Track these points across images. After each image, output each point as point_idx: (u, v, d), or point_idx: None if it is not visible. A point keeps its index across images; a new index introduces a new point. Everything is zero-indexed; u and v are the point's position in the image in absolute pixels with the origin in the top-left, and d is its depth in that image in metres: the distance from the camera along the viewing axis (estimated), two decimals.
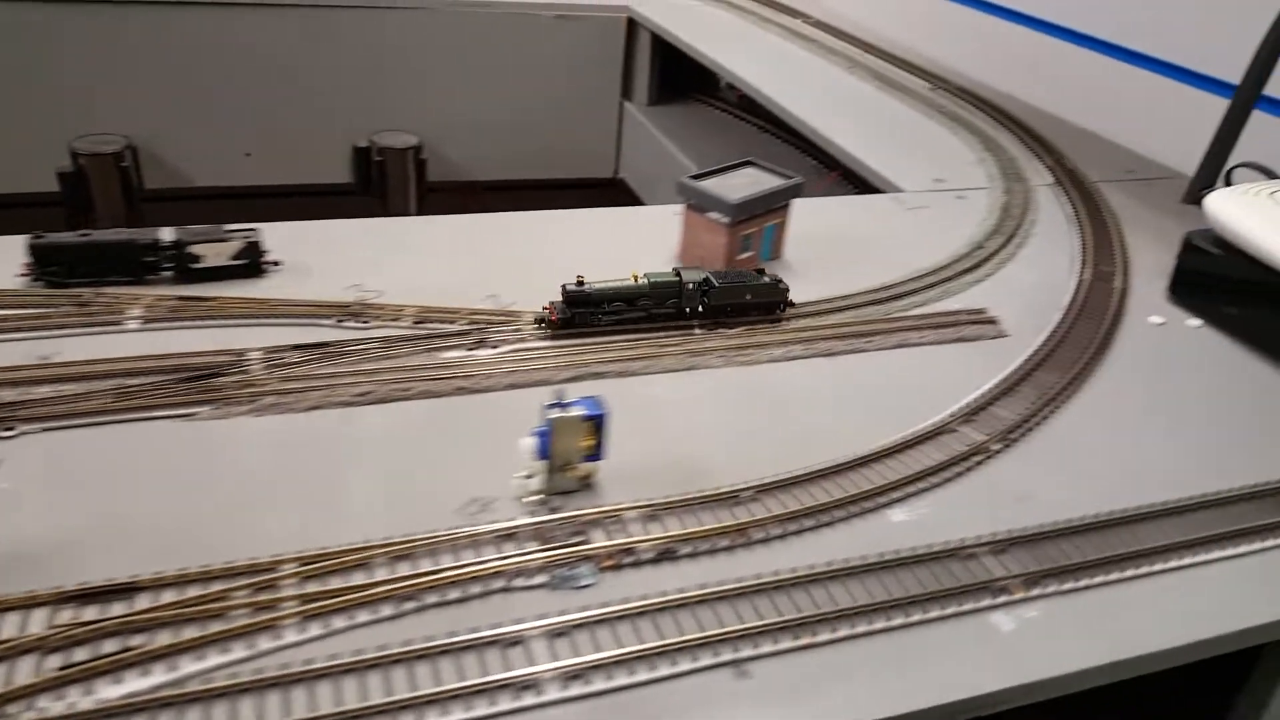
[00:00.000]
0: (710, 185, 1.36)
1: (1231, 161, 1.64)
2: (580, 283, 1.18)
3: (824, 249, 1.48)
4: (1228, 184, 1.58)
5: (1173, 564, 0.91)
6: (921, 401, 1.11)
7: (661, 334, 1.20)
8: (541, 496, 0.90)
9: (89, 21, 2.64)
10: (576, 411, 0.88)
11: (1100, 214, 1.67)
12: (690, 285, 1.21)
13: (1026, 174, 1.85)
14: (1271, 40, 1.40)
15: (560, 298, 1.18)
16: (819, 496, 0.94)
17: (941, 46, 2.69)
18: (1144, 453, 1.08)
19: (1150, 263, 1.50)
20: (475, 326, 1.16)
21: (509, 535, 0.86)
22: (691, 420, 1.06)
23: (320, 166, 3.08)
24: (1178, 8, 1.93)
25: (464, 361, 1.10)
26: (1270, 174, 1.51)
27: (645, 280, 1.21)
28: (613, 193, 3.34)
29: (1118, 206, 1.72)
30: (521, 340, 1.15)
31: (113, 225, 2.82)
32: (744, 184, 1.38)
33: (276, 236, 1.26)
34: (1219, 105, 1.87)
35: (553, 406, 0.88)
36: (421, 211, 3.09)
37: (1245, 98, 1.47)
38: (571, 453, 0.89)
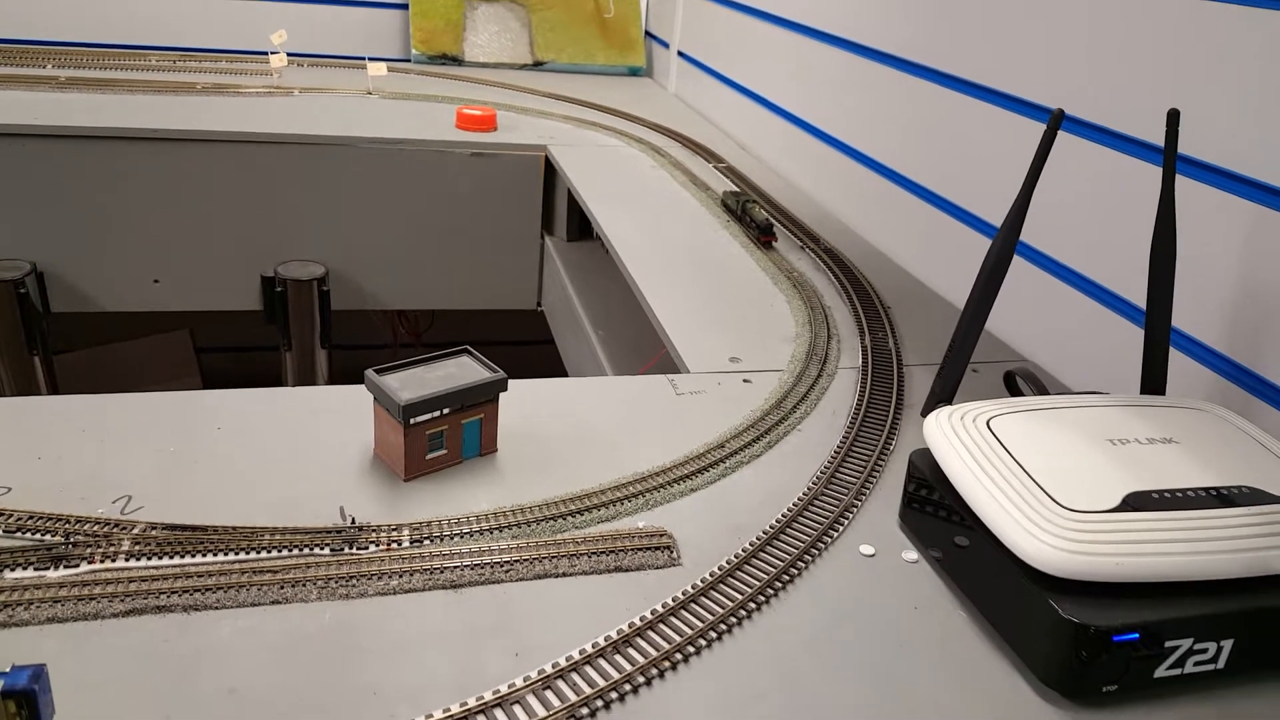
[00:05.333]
0: (390, 380, 1.27)
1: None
2: None
3: (552, 443, 1.38)
4: (1010, 390, 1.45)
5: None
6: (480, 666, 0.99)
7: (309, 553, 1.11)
8: None
9: None
10: None
11: (882, 409, 1.54)
12: None
13: (836, 354, 1.74)
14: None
15: None
16: None
17: (849, 206, 2.61)
18: None
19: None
20: (60, 542, 1.09)
21: None
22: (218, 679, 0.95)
23: (229, 294, 3.10)
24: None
25: None
26: (1040, 388, 1.37)
27: None
28: (535, 323, 3.31)
29: (917, 399, 1.59)
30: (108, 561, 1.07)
31: (11, 354, 2.86)
32: (438, 378, 1.30)
33: None
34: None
35: None
36: (325, 341, 3.08)
37: (981, 290, 1.33)
38: None
